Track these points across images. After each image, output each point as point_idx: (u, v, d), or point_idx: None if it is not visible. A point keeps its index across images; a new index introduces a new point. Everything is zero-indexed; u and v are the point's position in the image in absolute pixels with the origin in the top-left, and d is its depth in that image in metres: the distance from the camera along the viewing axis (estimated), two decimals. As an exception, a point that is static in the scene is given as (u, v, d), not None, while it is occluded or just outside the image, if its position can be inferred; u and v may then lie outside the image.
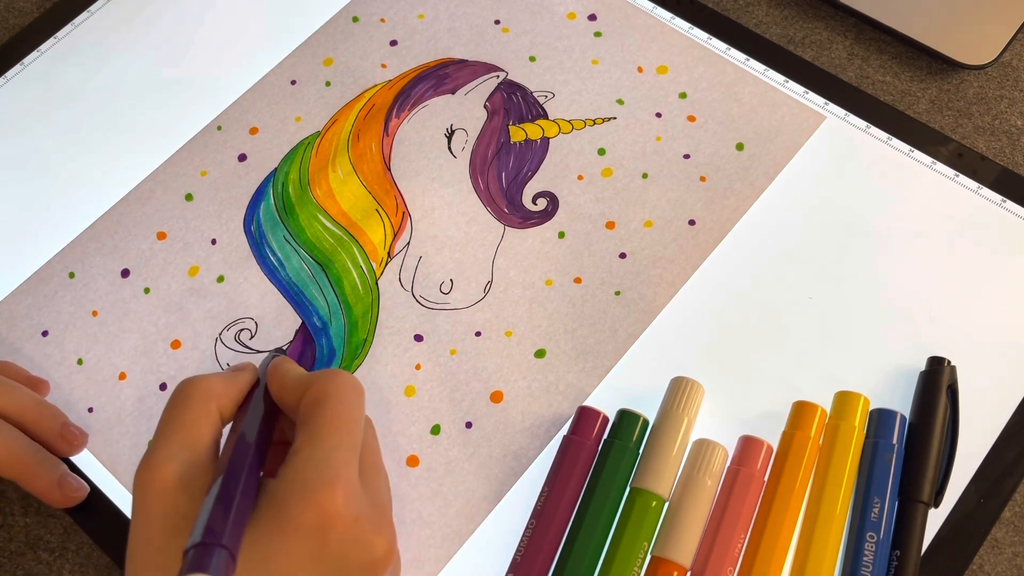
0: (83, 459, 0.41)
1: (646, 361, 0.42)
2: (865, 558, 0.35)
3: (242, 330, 0.44)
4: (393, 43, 0.51)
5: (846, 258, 0.43)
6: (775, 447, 0.38)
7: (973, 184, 0.44)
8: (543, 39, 0.50)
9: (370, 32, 0.51)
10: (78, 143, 0.49)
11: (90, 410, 0.42)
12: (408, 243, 0.45)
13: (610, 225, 0.45)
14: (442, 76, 0.49)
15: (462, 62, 0.50)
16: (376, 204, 0.46)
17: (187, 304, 0.44)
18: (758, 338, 0.41)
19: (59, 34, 0.53)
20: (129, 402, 0.42)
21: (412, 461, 0.40)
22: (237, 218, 0.46)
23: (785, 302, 0.42)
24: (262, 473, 0.32)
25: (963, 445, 0.38)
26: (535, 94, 0.48)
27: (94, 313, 0.44)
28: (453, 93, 0.49)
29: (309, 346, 0.43)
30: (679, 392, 0.39)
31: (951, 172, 0.45)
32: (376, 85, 0.49)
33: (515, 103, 0.48)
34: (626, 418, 0.39)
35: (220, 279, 0.45)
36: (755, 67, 0.48)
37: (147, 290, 0.45)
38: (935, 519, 0.37)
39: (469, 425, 0.41)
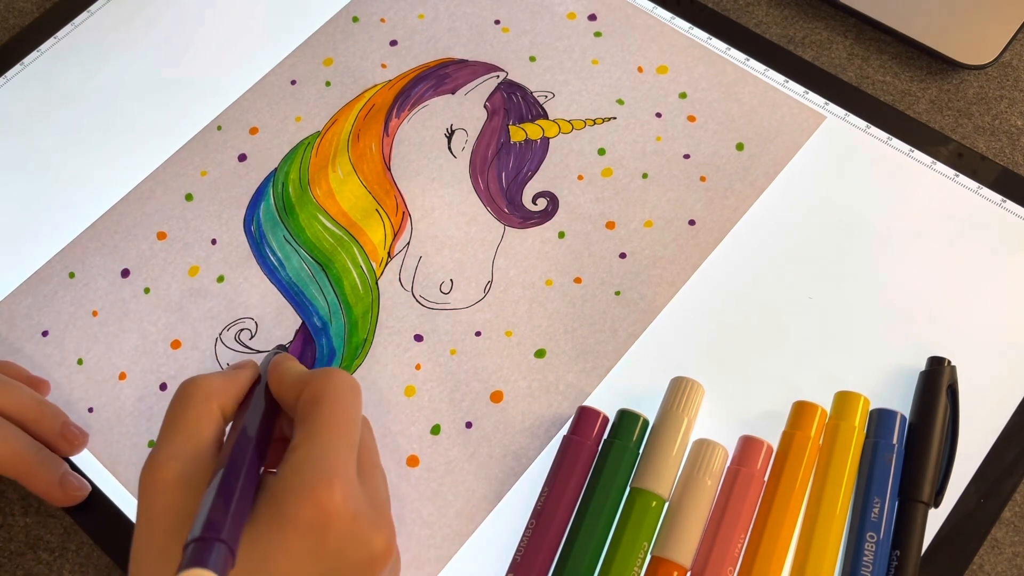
0: (83, 459, 0.41)
1: (646, 361, 0.42)
2: (865, 558, 0.35)
3: (242, 330, 0.44)
4: (393, 43, 0.51)
5: (846, 258, 0.43)
6: (775, 447, 0.38)
7: (973, 184, 0.44)
8: (543, 39, 0.50)
9: (370, 32, 0.51)
10: (78, 143, 0.49)
11: (90, 410, 0.42)
12: (408, 243, 0.45)
13: (610, 225, 0.45)
14: (442, 76, 0.49)
15: (462, 62, 0.50)
16: (376, 204, 0.46)
17: (187, 304, 0.44)
18: (758, 338, 0.41)
19: (59, 34, 0.53)
20: (129, 402, 0.42)
21: (412, 461, 0.40)
22: (237, 218, 0.46)
23: (785, 302, 0.42)
24: (263, 469, 0.32)
25: (963, 445, 0.38)
26: (535, 94, 0.48)
27: (94, 313, 0.44)
28: (453, 93, 0.49)
29: (309, 346, 0.43)
30: (679, 392, 0.39)
31: (951, 172, 0.45)
32: (376, 85, 0.49)
33: (515, 103, 0.48)
34: (626, 418, 0.39)
35: (220, 279, 0.45)
36: (755, 67, 0.48)
37: (147, 290, 0.45)
38: (935, 519, 0.37)
39: (469, 425, 0.41)
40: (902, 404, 0.39)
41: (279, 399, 0.35)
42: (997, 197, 0.44)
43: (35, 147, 0.49)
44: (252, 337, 0.43)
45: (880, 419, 0.38)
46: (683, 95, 0.48)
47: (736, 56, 0.49)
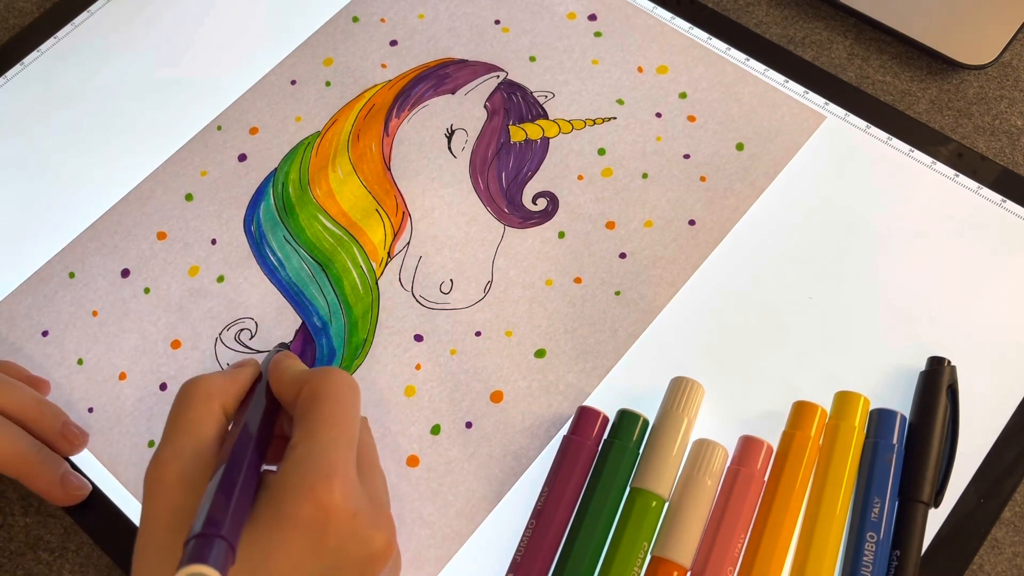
0: (83, 459, 0.41)
1: (646, 361, 0.42)
2: (865, 558, 0.35)
3: (242, 330, 0.44)
4: (393, 43, 0.51)
5: (846, 258, 0.43)
6: (775, 447, 0.38)
7: (973, 184, 0.44)
8: (543, 39, 0.50)
9: (370, 32, 0.51)
10: (78, 143, 0.49)
11: (90, 410, 0.42)
12: (408, 243, 0.45)
13: (610, 225, 0.45)
14: (442, 76, 0.49)
15: (462, 62, 0.50)
16: (376, 204, 0.46)
17: (187, 304, 0.44)
18: (758, 338, 0.41)
19: (59, 34, 0.53)
20: (129, 402, 0.42)
21: (412, 461, 0.40)
22: (237, 218, 0.46)
23: (785, 302, 0.42)
24: (264, 467, 0.32)
25: (963, 445, 0.38)
26: (535, 94, 0.48)
27: (94, 313, 0.44)
28: (453, 93, 0.49)
29: (309, 346, 0.43)
30: (679, 392, 0.39)
31: (951, 172, 0.45)
32: (376, 85, 0.49)
33: (515, 103, 0.48)
34: (626, 418, 0.39)
35: (220, 279, 0.45)
36: (755, 67, 0.48)
37: (147, 290, 0.45)
38: (935, 519, 0.37)
39: (469, 425, 0.41)
40: (902, 404, 0.39)
41: (279, 397, 0.35)
42: (997, 197, 0.44)
43: (35, 147, 0.49)
44: (252, 337, 0.43)
45: (880, 419, 0.38)
46: (683, 95, 0.48)
47: (736, 56, 0.49)
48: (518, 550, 0.37)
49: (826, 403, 0.39)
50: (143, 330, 0.44)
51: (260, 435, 0.33)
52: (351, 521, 0.30)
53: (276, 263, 0.45)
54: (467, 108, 0.48)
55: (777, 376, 0.41)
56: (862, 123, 0.46)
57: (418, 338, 0.43)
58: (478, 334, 0.43)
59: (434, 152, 0.47)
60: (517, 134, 0.47)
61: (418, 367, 0.42)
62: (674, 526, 0.36)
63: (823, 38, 0.50)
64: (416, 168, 0.47)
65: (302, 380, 0.34)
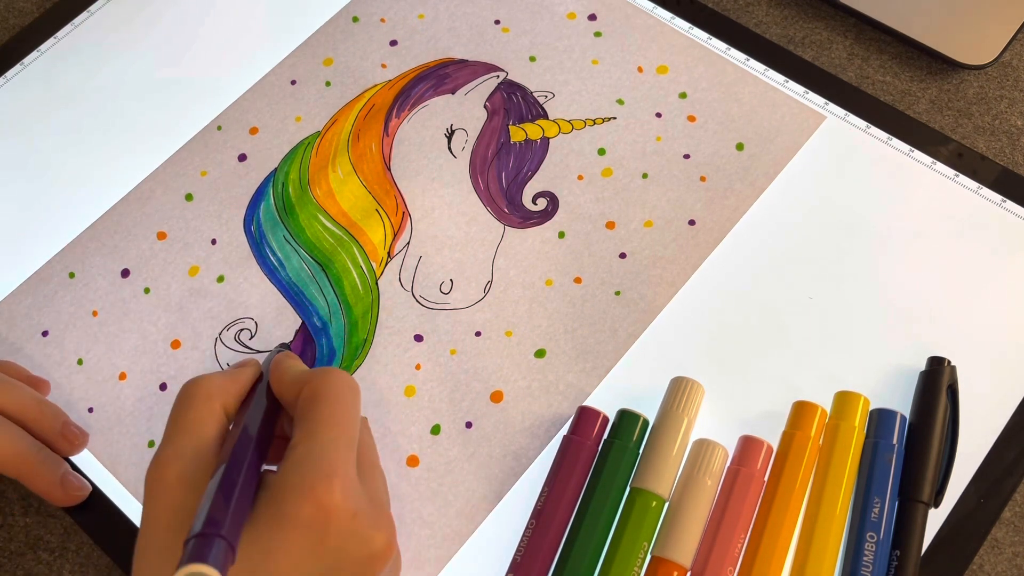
0: (83, 459, 0.41)
1: (646, 361, 0.42)
2: (865, 558, 0.35)
3: (242, 330, 0.44)
4: (393, 43, 0.51)
5: (846, 258, 0.43)
6: (775, 447, 0.38)
7: (973, 184, 0.44)
8: (543, 39, 0.50)
9: (370, 32, 0.51)
10: (78, 143, 0.49)
11: (90, 410, 0.42)
12: (408, 243, 0.45)
13: (610, 225, 0.45)
14: (442, 76, 0.49)
15: (462, 62, 0.50)
16: (376, 204, 0.46)
17: (187, 304, 0.44)
18: (758, 338, 0.42)
19: (59, 34, 0.53)
20: (129, 402, 0.42)
21: (412, 461, 0.40)
22: (237, 218, 0.46)
23: (785, 302, 0.42)
24: (264, 467, 0.32)
25: (963, 445, 0.38)
26: (535, 94, 0.48)
27: (94, 313, 0.44)
28: (453, 93, 0.49)
29: (309, 346, 0.43)
30: (679, 392, 0.39)
31: (951, 172, 0.45)
32: (376, 85, 0.49)
33: (515, 103, 0.48)
34: (626, 418, 0.39)
35: (220, 279, 0.45)
36: (755, 67, 0.48)
37: (147, 290, 0.45)
38: (935, 519, 0.37)
39: (469, 425, 0.41)
40: (902, 404, 0.39)
41: (279, 397, 0.35)
42: (997, 197, 0.44)
43: (35, 147, 0.49)
44: (252, 337, 0.43)
45: (880, 419, 0.38)
46: (683, 95, 0.48)
47: (736, 56, 0.49)
48: (518, 550, 0.37)
49: (826, 403, 0.39)
50: (143, 330, 0.44)
51: (260, 435, 0.33)
52: (351, 521, 0.30)
53: (276, 263, 0.45)
54: (467, 108, 0.48)
55: (777, 376, 0.41)
56: (862, 123, 0.46)
57: (418, 338, 0.43)
58: (478, 334, 0.43)
59: (434, 152, 0.47)
60: (517, 134, 0.47)
61: (418, 367, 0.42)
62: (674, 526, 0.36)
63: (823, 38, 0.50)
64: (416, 168, 0.47)
65: (303, 380, 0.34)
